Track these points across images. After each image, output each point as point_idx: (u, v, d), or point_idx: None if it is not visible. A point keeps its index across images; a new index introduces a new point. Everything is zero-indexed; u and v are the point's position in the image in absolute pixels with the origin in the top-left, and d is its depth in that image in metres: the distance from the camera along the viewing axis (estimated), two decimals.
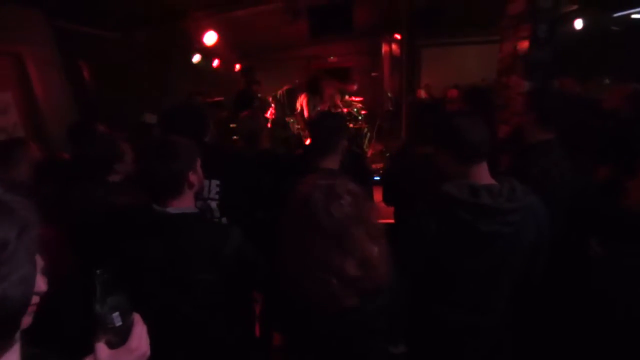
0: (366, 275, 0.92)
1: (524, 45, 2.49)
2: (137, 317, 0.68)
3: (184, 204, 1.18)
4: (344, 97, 6.00)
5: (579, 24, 4.71)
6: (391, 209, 2.09)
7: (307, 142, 4.88)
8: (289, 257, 0.97)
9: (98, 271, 0.64)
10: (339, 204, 0.91)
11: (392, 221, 2.05)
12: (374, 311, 0.98)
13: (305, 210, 0.92)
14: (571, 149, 1.69)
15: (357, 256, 0.91)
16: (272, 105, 5.44)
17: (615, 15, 4.81)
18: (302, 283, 0.93)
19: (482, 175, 1.21)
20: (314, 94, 4.74)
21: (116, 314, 0.63)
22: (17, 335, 0.51)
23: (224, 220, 1.72)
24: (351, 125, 5.44)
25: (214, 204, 1.70)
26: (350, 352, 1.02)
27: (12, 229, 0.46)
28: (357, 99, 6.12)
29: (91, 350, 0.62)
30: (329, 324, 0.97)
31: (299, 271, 0.95)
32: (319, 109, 4.62)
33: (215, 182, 1.70)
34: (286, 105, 5.69)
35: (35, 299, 0.52)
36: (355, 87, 6.22)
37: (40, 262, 0.53)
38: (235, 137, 4.52)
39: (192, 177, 1.17)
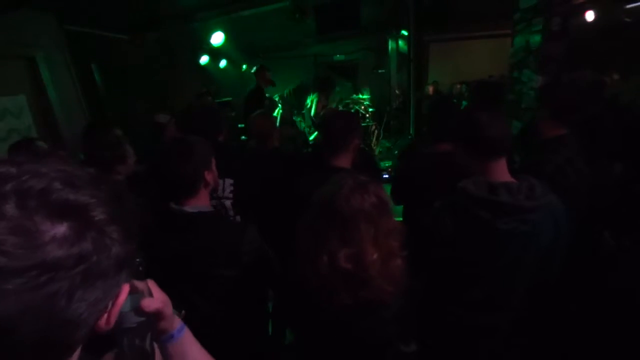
0: (355, 272, 0.91)
1: (537, 38, 2.45)
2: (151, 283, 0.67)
3: (200, 203, 1.19)
4: (351, 95, 6.00)
5: (590, 15, 4.62)
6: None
7: (311, 138, 4.88)
8: (298, 240, 1.00)
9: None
10: (361, 197, 0.92)
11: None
12: (381, 321, 0.97)
13: (330, 194, 0.95)
14: (585, 144, 1.66)
15: (352, 250, 0.92)
16: (280, 104, 5.46)
17: (628, 6, 4.71)
18: (301, 261, 0.98)
19: (501, 172, 1.18)
20: (324, 91, 4.73)
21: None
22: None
23: (238, 218, 1.74)
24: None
25: (228, 203, 1.72)
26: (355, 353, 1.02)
27: None
28: (364, 96, 6.11)
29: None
30: (335, 323, 0.97)
31: (301, 251, 0.98)
32: (327, 107, 4.62)
33: (229, 181, 1.72)
34: (293, 104, 5.69)
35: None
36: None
37: None
38: (243, 137, 4.54)
39: (208, 176, 1.19)
